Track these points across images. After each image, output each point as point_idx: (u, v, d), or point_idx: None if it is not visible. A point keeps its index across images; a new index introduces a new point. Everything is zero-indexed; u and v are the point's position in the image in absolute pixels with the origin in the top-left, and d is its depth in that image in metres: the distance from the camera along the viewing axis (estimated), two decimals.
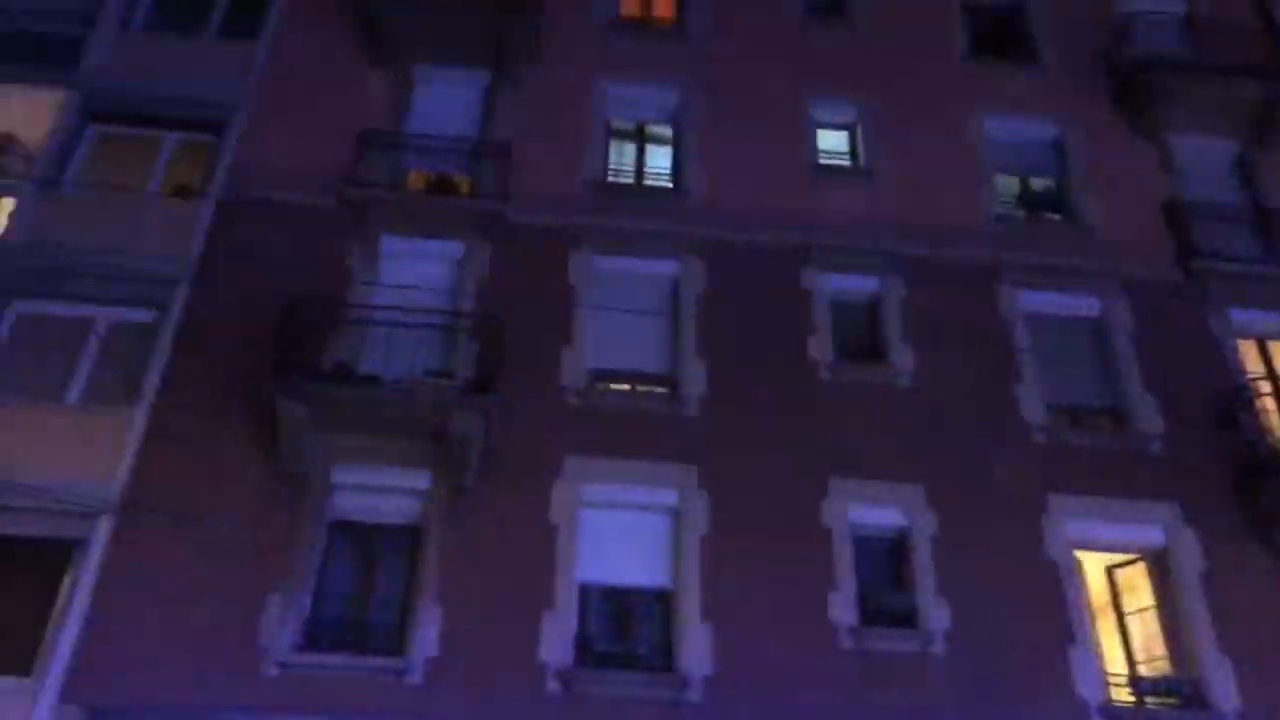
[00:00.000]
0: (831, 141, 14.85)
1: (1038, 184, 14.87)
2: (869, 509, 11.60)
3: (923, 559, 11.33)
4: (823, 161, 14.55)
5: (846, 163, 14.72)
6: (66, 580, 10.34)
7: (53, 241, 12.30)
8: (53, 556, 10.46)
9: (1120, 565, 11.96)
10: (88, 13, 14.57)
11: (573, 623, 10.64)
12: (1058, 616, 11.04)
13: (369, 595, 10.88)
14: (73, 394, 11.66)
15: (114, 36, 14.37)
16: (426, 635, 10.36)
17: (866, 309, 13.29)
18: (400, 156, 13.67)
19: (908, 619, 10.99)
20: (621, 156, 14.59)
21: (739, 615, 10.76)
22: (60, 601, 10.21)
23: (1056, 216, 14.54)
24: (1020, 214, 14.54)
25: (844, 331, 12.94)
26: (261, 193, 13.01)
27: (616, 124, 14.74)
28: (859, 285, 13.36)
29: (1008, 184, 14.76)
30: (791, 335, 12.70)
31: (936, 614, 10.95)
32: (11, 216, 12.62)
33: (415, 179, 13.80)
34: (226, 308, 12.05)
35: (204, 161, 13.46)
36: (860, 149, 14.79)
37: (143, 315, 12.13)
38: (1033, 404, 12.48)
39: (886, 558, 11.51)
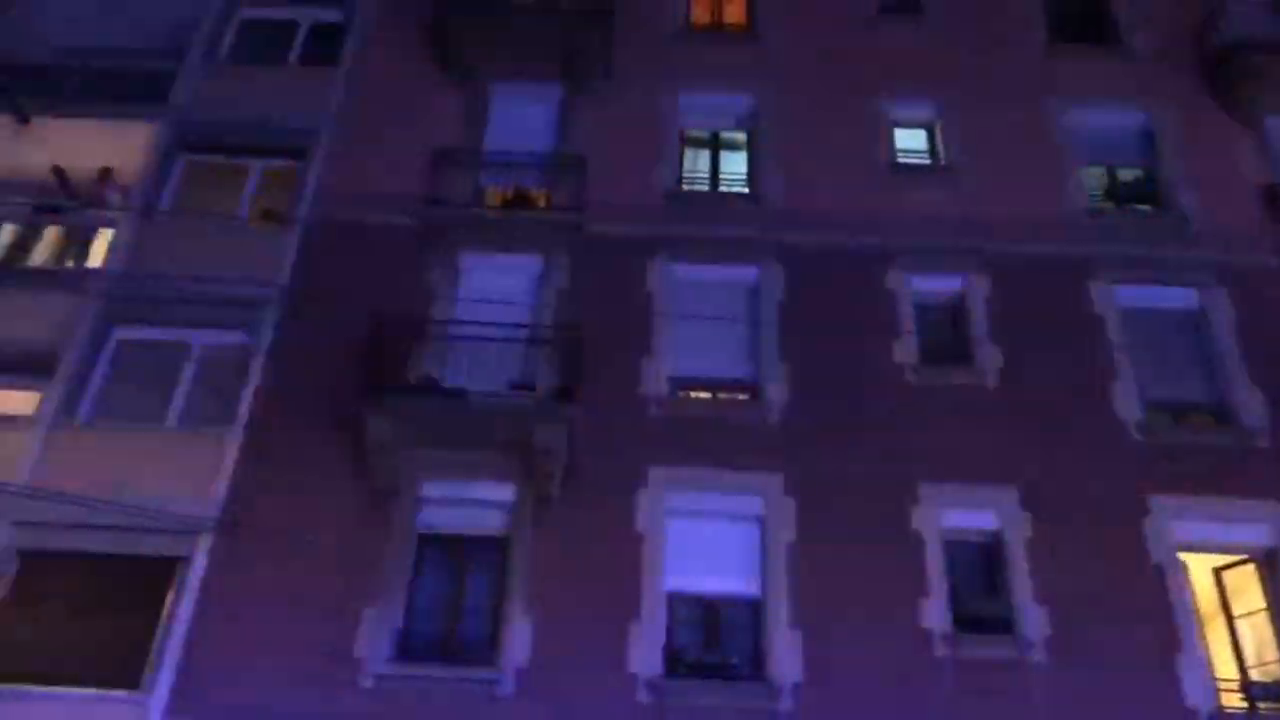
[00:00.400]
0: (910, 140, 14.62)
1: (1127, 174, 14.43)
2: (960, 512, 11.37)
3: (1018, 563, 11.05)
4: (901, 160, 14.33)
5: (926, 161, 14.48)
6: (170, 596, 10.67)
7: (149, 269, 12.74)
8: (157, 573, 10.81)
9: (1228, 567, 11.49)
10: (177, 49, 15.07)
11: (661, 632, 10.63)
12: (1164, 621, 10.67)
13: (459, 607, 11.01)
14: (172, 416, 12.05)
15: (201, 70, 14.85)
16: (517, 646, 10.44)
17: (951, 309, 13.03)
18: (477, 173, 13.86)
19: (1003, 625, 10.73)
20: (696, 164, 14.59)
21: (829, 622, 10.63)
22: (165, 617, 10.54)
23: (1148, 207, 14.10)
24: (1109, 206, 14.13)
25: (929, 333, 12.72)
26: (345, 215, 13.30)
27: (691, 132, 14.73)
28: (943, 285, 13.11)
29: (1095, 175, 14.36)
30: (875, 338, 12.52)
31: (1034, 620, 10.67)
32: (111, 246, 13.09)
33: (493, 195, 13.97)
34: (315, 328, 12.33)
35: (290, 186, 13.81)
36: (940, 146, 14.54)
37: (236, 338, 12.48)
38: (1130, 402, 12.09)
39: (979, 562, 11.26)
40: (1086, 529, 11.18)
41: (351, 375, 11.51)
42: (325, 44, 15.33)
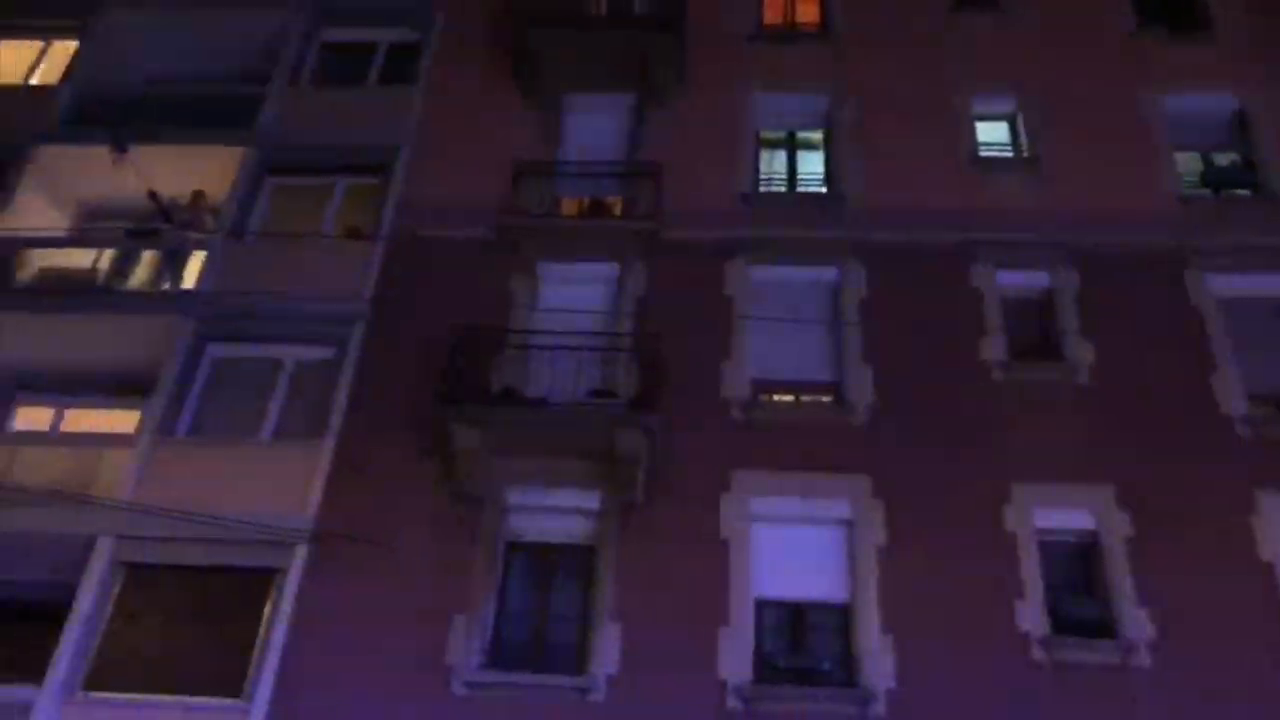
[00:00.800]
0: (992, 133, 14.34)
1: (1221, 160, 13.94)
2: (1054, 512, 11.08)
3: (1117, 564, 10.72)
4: (984, 154, 14.04)
5: (1009, 154, 14.19)
6: (268, 606, 10.94)
7: (241, 288, 13.10)
8: (256, 584, 11.09)
9: None
10: (261, 74, 15.51)
11: (750, 639, 10.55)
12: (1275, 622, 10.23)
13: (547, 614, 11.08)
14: (266, 430, 12.35)
15: (285, 93, 15.24)
16: (606, 653, 10.46)
17: (1039, 304, 12.72)
18: (553, 183, 13.97)
19: (1104, 629, 10.43)
20: (773, 165, 14.52)
21: (921, 627, 10.44)
22: (264, 626, 10.81)
23: (1244, 192, 13.58)
24: (1205, 193, 13.64)
25: (1017, 329, 12.44)
26: (426, 229, 13.51)
27: (766, 133, 14.66)
28: (1031, 280, 12.81)
29: (1188, 162, 13.90)
30: (961, 336, 12.28)
31: (1136, 622, 10.34)
32: (204, 267, 13.50)
33: (569, 204, 14.09)
34: (400, 340, 12.54)
35: (372, 203, 14.08)
36: (1023, 138, 14.23)
37: (325, 352, 12.75)
38: (1232, 394, 11.65)
39: (1076, 564, 10.97)
40: (1190, 528, 10.79)
41: (436, 386, 11.65)
42: (403, 63, 15.62)
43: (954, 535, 10.92)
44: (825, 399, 12.22)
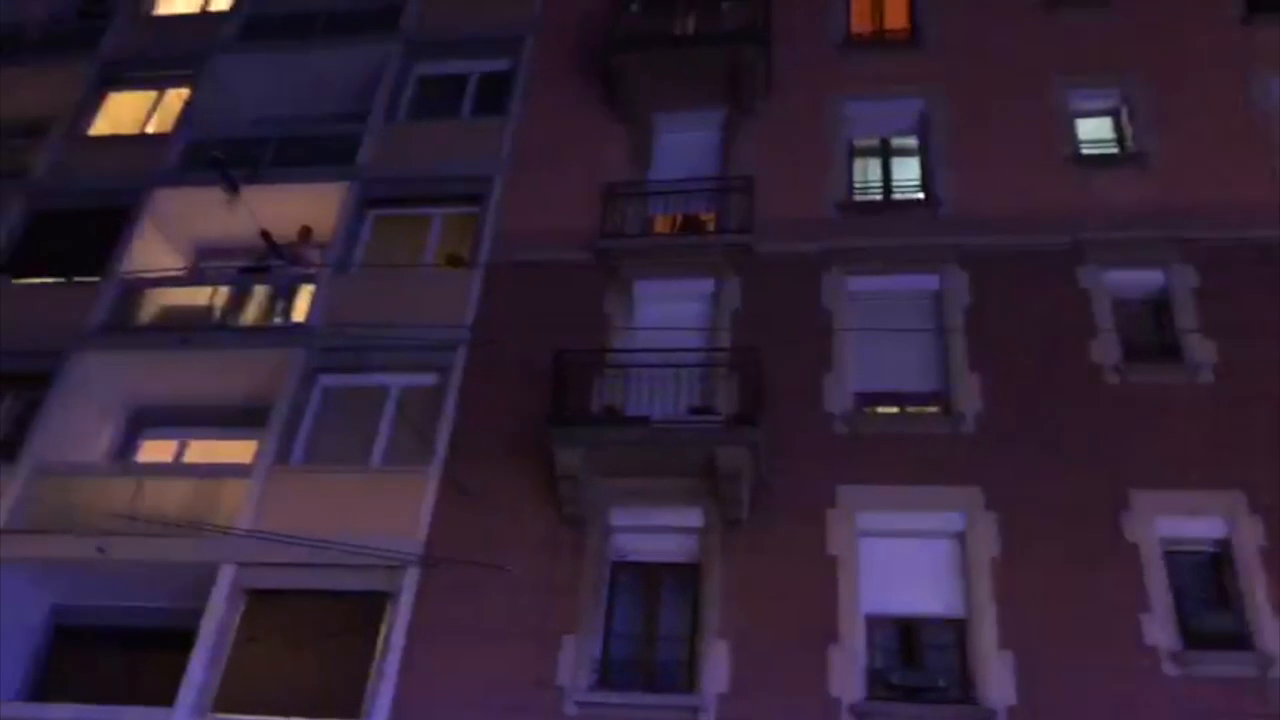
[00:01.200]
0: (1094, 129, 13.91)
1: None
2: (1180, 520, 10.64)
3: (1252, 573, 10.22)
4: (1086, 152, 13.63)
5: (1114, 150, 13.73)
6: (383, 629, 11.17)
7: (348, 319, 13.47)
8: (370, 608, 11.33)
9: None
10: (360, 112, 15.99)
11: (861, 655, 10.36)
12: None
13: (655, 633, 11.06)
14: (376, 456, 12.66)
15: (382, 128, 15.67)
16: (716, 672, 10.38)
17: (1153, 304, 12.26)
18: (646, 202, 14.04)
19: (1239, 640, 9.94)
20: (867, 174, 14.33)
21: (1041, 641, 10.10)
22: (380, 649, 11.04)
23: None
24: None
25: (1130, 330, 12.02)
26: (523, 254, 13.71)
27: (859, 142, 14.49)
28: (1143, 279, 12.36)
29: None
30: (1071, 339, 11.90)
31: (1274, 635, 9.81)
32: (313, 300, 13.94)
33: (662, 222, 14.14)
34: (501, 364, 12.72)
35: (470, 231, 14.36)
36: (1128, 133, 13.77)
37: (429, 379, 13.01)
38: None
39: (1204, 573, 10.51)
40: None
41: (537, 408, 11.77)
42: (495, 93, 15.92)
43: (1071, 546, 10.56)
44: (931, 409, 11.97)
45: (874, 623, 10.62)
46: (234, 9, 17.84)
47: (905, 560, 10.92)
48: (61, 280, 14.72)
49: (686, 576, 11.22)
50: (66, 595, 12.70)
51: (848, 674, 10.21)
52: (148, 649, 12.12)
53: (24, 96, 17.38)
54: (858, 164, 14.36)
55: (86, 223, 15.24)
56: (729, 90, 14.66)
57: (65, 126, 16.64)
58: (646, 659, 10.88)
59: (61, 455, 13.25)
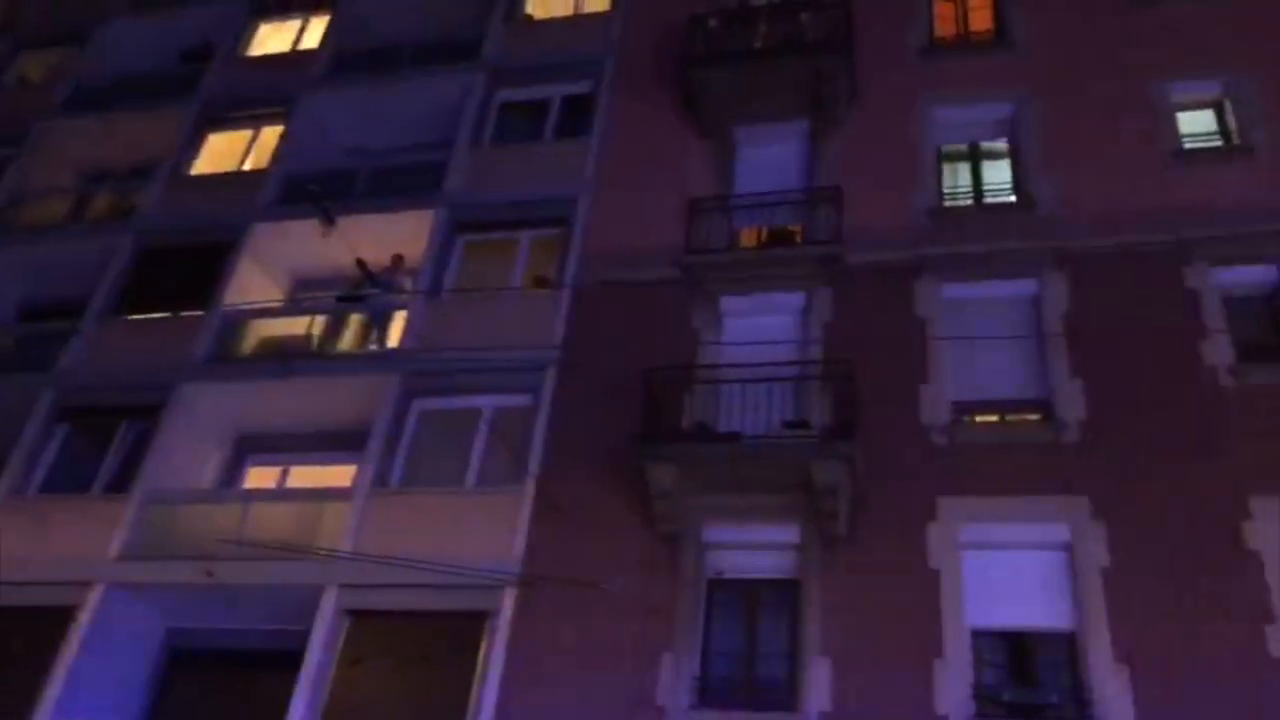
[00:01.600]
0: (1196, 123, 13.42)
1: None
2: None
3: None
4: (1188, 146, 13.14)
5: (1218, 143, 13.22)
6: (483, 649, 11.25)
7: (441, 343, 13.70)
8: (470, 628, 11.43)
9: None
10: (446, 139, 16.29)
11: (968, 671, 10.08)
12: None
13: (754, 651, 10.92)
14: (470, 477, 12.81)
15: (468, 155, 15.93)
16: (817, 690, 10.20)
17: (1267, 301, 11.73)
18: (731, 217, 13.98)
19: None
20: (956, 179, 14.05)
21: (1158, 655, 9.71)
22: (480, 669, 11.12)
23: None
24: None
25: (1243, 330, 11.50)
26: (609, 273, 13.77)
27: (948, 146, 14.22)
28: (1255, 276, 11.87)
29: None
30: (1179, 340, 11.45)
31: None
32: (406, 326, 14.21)
33: (748, 236, 14.06)
34: (591, 384, 12.76)
35: (557, 253, 14.49)
36: (1232, 125, 13.23)
37: (520, 399, 13.13)
38: None
39: None
40: None
41: (628, 426, 11.77)
42: (577, 114, 16.07)
43: (1186, 556, 10.13)
44: (1033, 417, 11.62)
45: (980, 637, 10.33)
46: (323, 46, 18.39)
47: (1010, 572, 10.60)
48: (169, 315, 15.28)
49: (785, 593, 11.07)
50: (179, 619, 13.13)
51: (955, 690, 9.93)
52: (258, 670, 12.41)
53: (131, 141, 18.19)
54: (946, 169, 14.09)
55: (190, 258, 15.82)
56: (812, 101, 14.54)
57: (169, 167, 17.32)
58: (746, 677, 10.75)
59: (172, 483, 13.72)
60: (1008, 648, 10.36)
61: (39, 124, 18.75)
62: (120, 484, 13.82)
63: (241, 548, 12.17)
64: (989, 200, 13.71)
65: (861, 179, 13.63)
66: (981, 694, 10.00)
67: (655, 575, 11.20)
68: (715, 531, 11.42)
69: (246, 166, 17.40)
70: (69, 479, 14.23)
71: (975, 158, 14.19)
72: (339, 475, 13.62)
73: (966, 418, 11.74)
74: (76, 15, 20.83)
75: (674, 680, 10.53)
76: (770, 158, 14.63)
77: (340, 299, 15.14)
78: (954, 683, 9.97)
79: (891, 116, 14.29)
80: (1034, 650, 10.29)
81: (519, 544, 11.75)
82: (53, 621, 12.40)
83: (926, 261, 12.78)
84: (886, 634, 10.32)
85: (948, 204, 13.68)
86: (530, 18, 17.97)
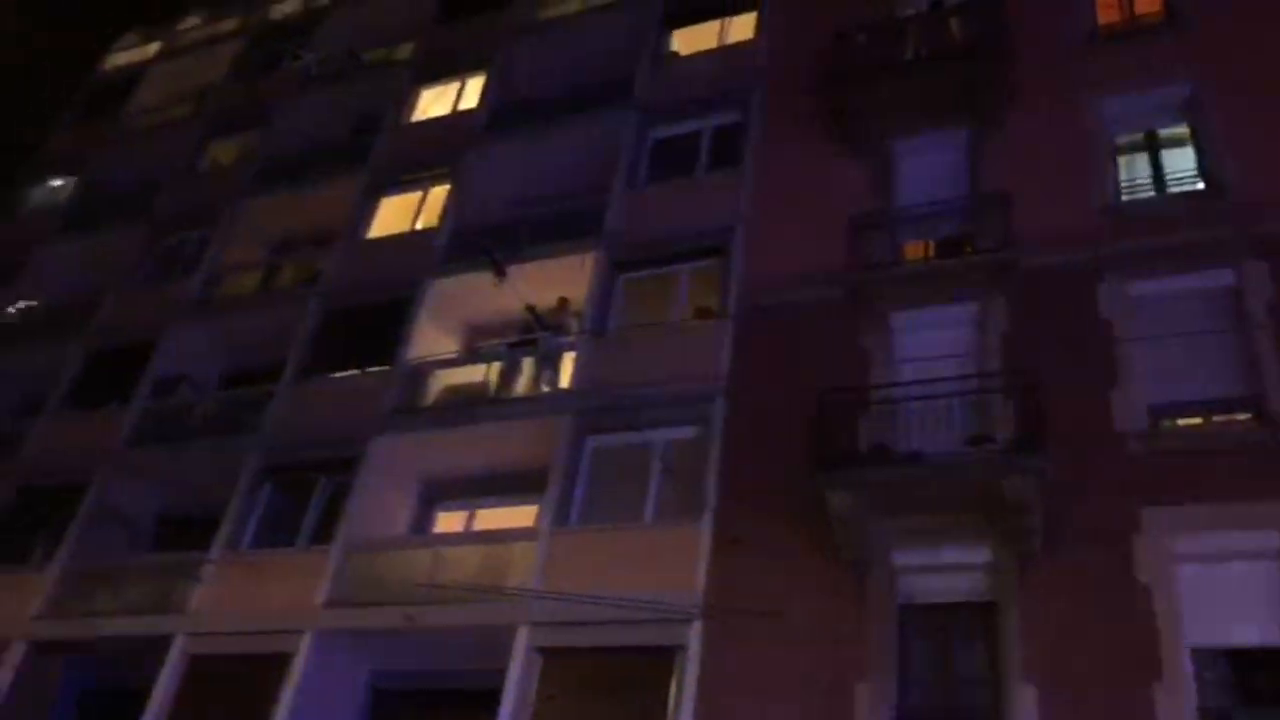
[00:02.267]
0: None
1: None
2: None
3: None
4: None
5: None
6: (673, 683, 11.24)
7: (609, 381, 13.92)
8: (659, 662, 11.44)
9: None
10: (602, 181, 16.62)
11: (1191, 693, 9.38)
12: None
13: (952, 677, 10.51)
14: (648, 512, 12.90)
15: (624, 194, 16.21)
16: (1025, 717, 9.70)
17: None
18: (894, 232, 13.67)
19: None
20: (1134, 171, 13.30)
21: None
22: (672, 703, 11.11)
23: None
24: None
25: None
26: (771, 299, 13.67)
27: (1121, 138, 13.50)
28: None
29: None
30: None
31: None
32: (575, 367, 14.51)
33: (913, 250, 13.70)
34: (761, 411, 12.67)
35: (718, 283, 14.51)
36: None
37: (691, 431, 13.16)
38: None
39: None
40: None
41: (801, 452, 11.61)
42: (728, 144, 16.13)
43: None
44: (1241, 416, 10.80)
45: (1201, 656, 9.62)
46: (481, 104, 19.14)
47: (1228, 585, 9.88)
48: (356, 372, 16.11)
49: (981, 616, 10.62)
50: (382, 661, 13.72)
51: (1178, 714, 9.26)
52: (458, 709, 12.80)
53: (312, 211, 19.39)
54: (1122, 162, 13.37)
55: (372, 317, 16.67)
56: (970, 107, 14.10)
57: (347, 233, 18.35)
58: (947, 705, 10.36)
59: (369, 532, 14.40)
60: (1235, 666, 9.61)
61: (229, 204, 20.24)
62: (322, 535, 14.61)
63: (436, 591, 12.60)
64: (1173, 189, 12.92)
65: (1030, 181, 13.09)
66: (1208, 717, 9.29)
67: (842, 603, 10.96)
68: (902, 555, 11.09)
69: (418, 226, 18.21)
70: (275, 533, 15.15)
71: (1153, 146, 13.41)
72: (522, 516, 13.97)
73: (1166, 422, 11.03)
74: (255, 100, 22.44)
75: (870, 711, 10.24)
76: (930, 168, 14.24)
77: (512, 345, 15.61)
78: (1178, 706, 9.31)
79: (1057, 113, 13.68)
80: (1262, 668, 9.48)
81: (700, 577, 11.71)
82: (269, 668, 13.17)
83: (1108, 260, 12.12)
84: (1096, 656, 9.75)
85: (1126, 198, 12.96)
86: (676, 54, 18.21)
